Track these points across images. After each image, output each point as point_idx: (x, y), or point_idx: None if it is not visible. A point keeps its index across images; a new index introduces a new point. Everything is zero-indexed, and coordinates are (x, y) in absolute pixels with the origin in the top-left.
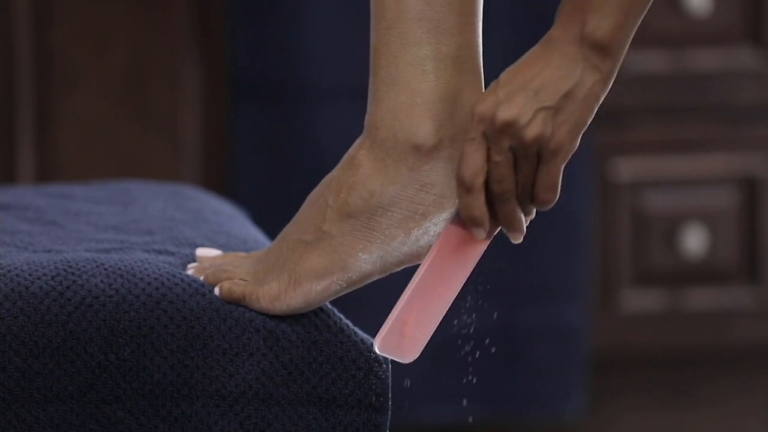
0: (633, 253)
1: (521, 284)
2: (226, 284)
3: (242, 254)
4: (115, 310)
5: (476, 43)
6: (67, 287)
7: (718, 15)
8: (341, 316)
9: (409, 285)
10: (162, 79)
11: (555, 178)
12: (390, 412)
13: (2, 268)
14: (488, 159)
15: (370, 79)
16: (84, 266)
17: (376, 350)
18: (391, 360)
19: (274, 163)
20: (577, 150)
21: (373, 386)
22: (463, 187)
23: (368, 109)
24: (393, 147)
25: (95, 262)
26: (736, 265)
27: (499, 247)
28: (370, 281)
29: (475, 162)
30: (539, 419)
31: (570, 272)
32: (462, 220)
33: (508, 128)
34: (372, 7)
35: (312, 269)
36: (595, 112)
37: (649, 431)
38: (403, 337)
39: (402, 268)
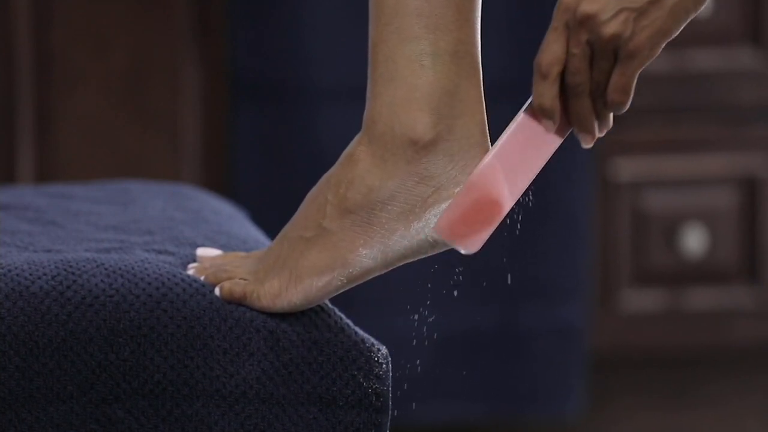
0: (633, 252)
1: (521, 284)
2: (227, 284)
3: (242, 254)
4: (115, 309)
5: (475, 38)
6: (68, 287)
7: (718, 15)
8: (342, 315)
9: (473, 172)
10: (162, 79)
11: (628, 80)
12: (390, 412)
13: (2, 268)
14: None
15: (369, 75)
16: (84, 266)
17: (433, 233)
18: (391, 360)
19: (274, 163)
20: (576, 148)
21: (373, 386)
22: (539, 74)
23: (366, 105)
24: (391, 141)
25: (95, 262)
26: (736, 265)
27: (499, 246)
28: (371, 277)
29: (553, 51)
30: (539, 419)
31: (570, 272)
32: (534, 111)
33: (588, 21)
34: (370, 3)
35: (312, 266)
36: (682, 25)
37: (649, 431)
38: (462, 221)
39: (403, 262)
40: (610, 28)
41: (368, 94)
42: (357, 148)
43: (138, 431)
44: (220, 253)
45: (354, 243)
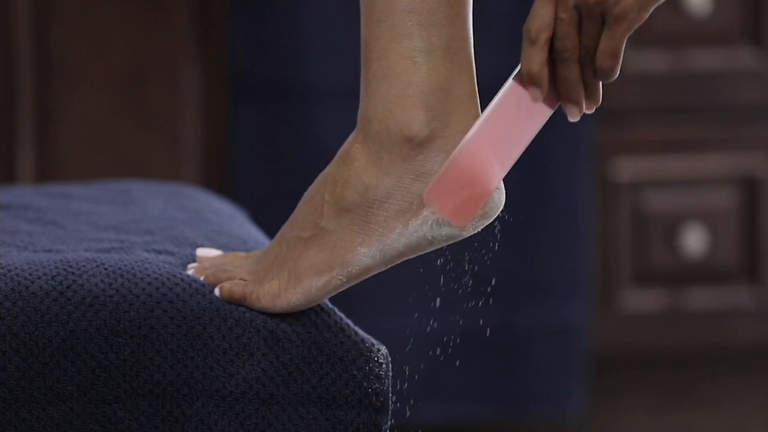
0: (633, 252)
1: (522, 283)
2: (227, 285)
3: (242, 254)
4: (115, 309)
5: (467, 34)
6: (68, 287)
7: (718, 15)
8: (342, 315)
9: (457, 147)
10: (162, 79)
11: (617, 44)
12: (390, 412)
13: (2, 268)
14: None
15: (362, 73)
16: (84, 266)
17: (424, 200)
18: (391, 360)
19: (274, 163)
20: (575, 149)
21: (373, 386)
22: (527, 40)
23: (360, 103)
24: (386, 139)
25: (95, 261)
26: (736, 265)
27: (499, 245)
28: (370, 275)
29: (541, 16)
30: (539, 419)
31: (570, 272)
32: (522, 79)
33: None
34: (361, 1)
35: (311, 265)
36: None
37: (649, 431)
38: (453, 192)
39: (402, 260)
40: None
41: (362, 92)
42: (352, 146)
43: (138, 431)
44: (220, 253)
45: (352, 242)
